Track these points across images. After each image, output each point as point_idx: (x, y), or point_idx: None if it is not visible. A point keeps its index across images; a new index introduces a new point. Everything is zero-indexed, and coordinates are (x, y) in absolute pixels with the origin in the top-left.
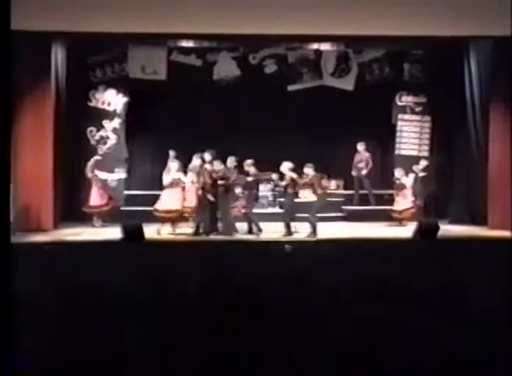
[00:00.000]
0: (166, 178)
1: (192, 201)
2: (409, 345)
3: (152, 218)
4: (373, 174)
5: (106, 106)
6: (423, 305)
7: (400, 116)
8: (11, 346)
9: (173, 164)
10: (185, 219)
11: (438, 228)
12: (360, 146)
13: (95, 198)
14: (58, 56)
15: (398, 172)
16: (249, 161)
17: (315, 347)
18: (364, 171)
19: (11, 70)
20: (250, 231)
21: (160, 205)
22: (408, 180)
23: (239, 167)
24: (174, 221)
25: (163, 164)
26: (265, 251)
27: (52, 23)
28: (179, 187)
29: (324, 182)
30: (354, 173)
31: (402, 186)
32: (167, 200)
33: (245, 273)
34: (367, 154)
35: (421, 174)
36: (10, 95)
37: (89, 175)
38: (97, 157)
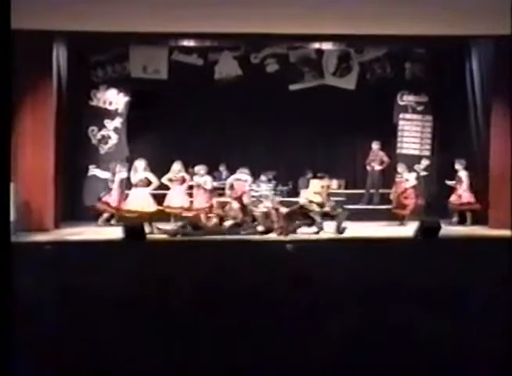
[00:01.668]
0: (133, 178)
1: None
2: (409, 345)
3: None
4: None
5: (107, 106)
6: (425, 304)
7: (401, 115)
8: (11, 347)
9: (139, 163)
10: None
11: (439, 227)
12: (375, 145)
13: (117, 198)
14: (59, 55)
15: (400, 168)
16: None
17: (316, 348)
18: (377, 167)
19: (11, 70)
20: None
21: (124, 205)
22: (410, 176)
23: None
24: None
25: (164, 164)
26: (265, 250)
27: (53, 23)
28: (146, 187)
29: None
30: (368, 168)
31: (405, 181)
32: (131, 201)
33: (246, 272)
34: (381, 153)
35: (423, 173)
36: (11, 94)
37: (111, 177)
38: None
